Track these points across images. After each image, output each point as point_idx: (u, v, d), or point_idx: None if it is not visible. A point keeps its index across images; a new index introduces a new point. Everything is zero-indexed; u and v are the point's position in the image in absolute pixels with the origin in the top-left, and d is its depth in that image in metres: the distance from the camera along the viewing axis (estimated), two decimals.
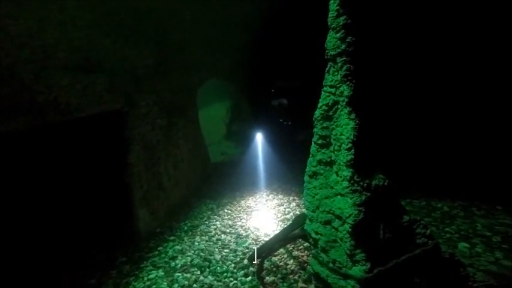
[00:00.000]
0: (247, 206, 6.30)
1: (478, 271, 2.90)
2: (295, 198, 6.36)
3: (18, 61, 3.61)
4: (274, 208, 6.02)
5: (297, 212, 5.60)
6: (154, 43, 6.18)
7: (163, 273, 4.08)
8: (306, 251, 4.21)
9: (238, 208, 6.26)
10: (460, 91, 5.74)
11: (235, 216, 5.89)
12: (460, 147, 5.84)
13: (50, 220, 4.75)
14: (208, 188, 7.37)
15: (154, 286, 3.82)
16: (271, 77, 8.38)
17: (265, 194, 6.88)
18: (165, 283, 3.85)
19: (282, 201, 6.31)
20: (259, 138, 9.55)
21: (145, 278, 4.00)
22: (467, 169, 5.50)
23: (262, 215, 5.79)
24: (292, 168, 7.86)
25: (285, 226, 4.02)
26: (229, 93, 12.71)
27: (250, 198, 6.72)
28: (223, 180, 8.02)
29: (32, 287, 3.97)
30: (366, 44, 2.25)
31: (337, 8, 2.27)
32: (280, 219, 5.46)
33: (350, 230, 2.32)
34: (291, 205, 6.03)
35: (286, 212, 5.73)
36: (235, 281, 3.77)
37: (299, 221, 3.74)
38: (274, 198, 6.52)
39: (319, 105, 2.62)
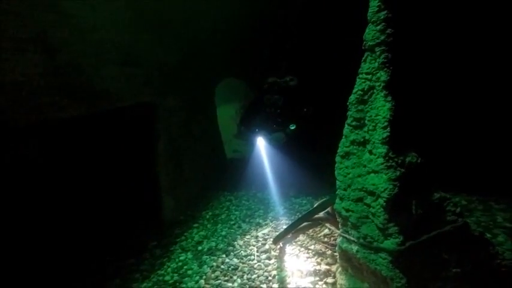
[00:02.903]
0: (264, 198, 6.47)
1: (507, 250, 3.01)
2: (310, 193, 6.47)
3: (82, 54, 3.98)
4: (290, 199, 6.19)
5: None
6: (182, 42, 6.45)
7: (192, 256, 4.32)
8: (325, 238, 4.37)
9: (256, 200, 6.44)
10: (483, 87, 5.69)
11: (253, 207, 6.07)
12: (475, 142, 5.79)
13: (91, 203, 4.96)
14: (225, 181, 7.54)
15: (185, 266, 4.06)
16: (268, 73, 8.08)
17: (280, 187, 6.99)
18: (195, 264, 4.08)
19: (300, 194, 6.46)
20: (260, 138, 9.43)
21: (177, 260, 4.27)
22: (482, 164, 5.50)
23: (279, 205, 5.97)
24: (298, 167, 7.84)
25: (309, 210, 4.16)
26: (240, 93, 12.98)
27: (266, 191, 6.86)
28: (238, 175, 8.16)
29: (80, 266, 4.21)
30: (404, 34, 2.44)
31: (379, 4, 2.50)
32: (297, 210, 5.62)
33: (384, 204, 2.47)
34: (308, 198, 6.18)
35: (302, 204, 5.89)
36: (259, 263, 3.94)
37: (323, 205, 3.87)
38: (290, 191, 6.65)
39: (354, 90, 2.80)
